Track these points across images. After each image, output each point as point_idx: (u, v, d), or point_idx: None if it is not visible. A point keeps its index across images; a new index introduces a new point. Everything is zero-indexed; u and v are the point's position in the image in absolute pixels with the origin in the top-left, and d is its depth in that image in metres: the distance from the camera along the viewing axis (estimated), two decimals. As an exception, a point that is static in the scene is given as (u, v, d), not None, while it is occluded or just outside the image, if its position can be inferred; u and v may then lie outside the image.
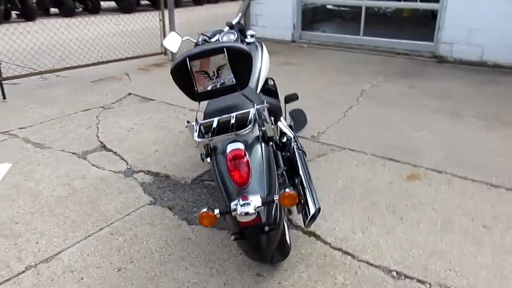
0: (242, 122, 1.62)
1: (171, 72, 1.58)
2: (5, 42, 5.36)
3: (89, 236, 2.26)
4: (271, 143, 1.76)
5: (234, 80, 1.58)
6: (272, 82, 2.71)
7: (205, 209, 1.52)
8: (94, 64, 5.30)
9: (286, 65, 5.96)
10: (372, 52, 6.60)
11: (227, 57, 1.53)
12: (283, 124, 2.60)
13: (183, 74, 1.56)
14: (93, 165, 3.03)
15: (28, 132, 3.62)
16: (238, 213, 1.48)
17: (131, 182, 2.81)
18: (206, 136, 1.61)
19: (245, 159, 1.61)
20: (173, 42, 2.47)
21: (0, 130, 3.66)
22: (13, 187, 2.73)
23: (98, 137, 3.52)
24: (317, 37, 7.25)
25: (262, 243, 1.59)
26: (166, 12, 5.97)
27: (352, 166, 3.03)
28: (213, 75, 1.57)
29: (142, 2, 14.39)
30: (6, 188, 2.71)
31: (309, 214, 1.79)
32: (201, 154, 1.75)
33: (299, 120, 3.12)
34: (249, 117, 1.57)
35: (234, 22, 2.83)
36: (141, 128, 3.70)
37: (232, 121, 1.58)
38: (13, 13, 10.76)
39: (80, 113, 4.08)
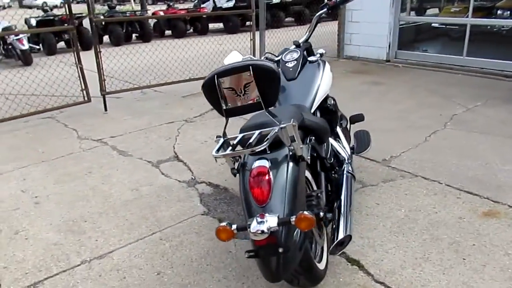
0: (274, 141, 1.61)
1: (202, 88, 1.64)
2: (117, 60, 6.07)
3: (141, 239, 2.42)
4: (302, 162, 1.70)
5: (259, 98, 1.58)
6: (332, 101, 2.64)
7: (223, 223, 1.53)
8: (186, 80, 5.70)
9: (374, 85, 5.73)
10: (475, 74, 6.00)
11: (252, 74, 1.55)
12: (338, 145, 2.51)
13: (212, 90, 1.61)
14: (162, 174, 3.25)
15: (117, 140, 4.03)
16: (251, 231, 1.46)
17: (191, 192, 2.95)
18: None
19: (267, 177, 1.59)
20: (233, 60, 2.56)
21: (95, 138, 4.14)
22: (91, 189, 3.06)
23: (174, 148, 3.77)
24: (414, 57, 6.85)
25: (275, 264, 1.55)
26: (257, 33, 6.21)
27: (420, 195, 2.77)
28: (240, 92, 1.59)
29: (247, 23, 15.18)
30: (85, 190, 3.05)
31: (336, 239, 1.69)
32: (231, 169, 1.77)
33: (362, 142, 2.97)
34: (270, 135, 1.55)
35: (300, 41, 2.83)
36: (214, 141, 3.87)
37: (254, 137, 1.58)
38: (134, 36, 12.18)
39: (164, 125, 4.42)
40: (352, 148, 2.81)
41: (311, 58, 2.67)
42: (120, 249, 2.34)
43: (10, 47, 8.60)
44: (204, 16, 13.03)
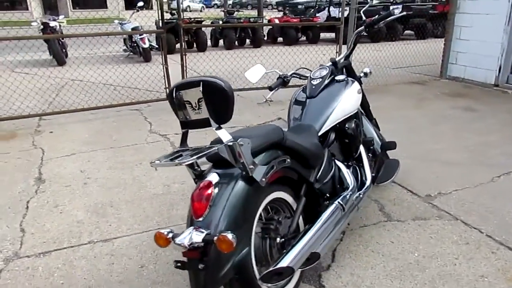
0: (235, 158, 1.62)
1: (167, 98, 1.72)
2: (219, 63, 6.47)
3: (146, 231, 2.60)
4: (255, 183, 1.66)
5: (208, 115, 1.60)
6: (353, 124, 2.47)
7: (162, 230, 1.59)
8: (264, 88, 5.83)
9: (465, 111, 5.12)
10: None
11: (201, 90, 1.57)
12: (347, 172, 2.35)
13: (172, 102, 1.68)
14: (198, 174, 3.41)
15: (178, 137, 4.33)
16: (175, 242, 1.50)
17: (213, 196, 3.04)
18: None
19: (208, 192, 1.60)
20: (255, 73, 2.58)
21: (162, 133, 4.52)
22: (133, 178, 3.37)
23: (222, 152, 3.91)
24: (531, 83, 5.90)
25: (196, 279, 1.55)
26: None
27: (446, 241, 2.44)
28: (195, 106, 1.63)
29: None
30: (127, 178, 3.37)
31: (273, 266, 1.61)
32: (193, 179, 1.81)
33: (387, 171, 2.73)
34: (206, 152, 1.56)
35: (337, 58, 2.72)
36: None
37: (186, 153, 1.59)
38: (248, 41, 12.78)
39: (226, 129, 4.60)
40: (374, 178, 2.60)
41: (338, 77, 2.55)
42: (124, 237, 2.55)
43: (135, 44, 9.80)
44: (318, 25, 13.04)
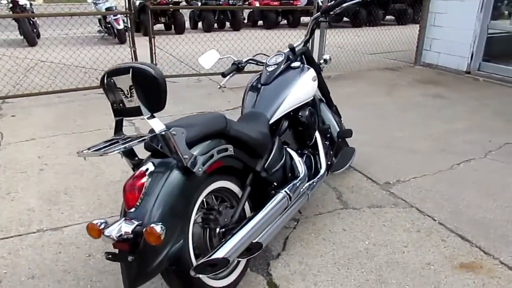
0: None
1: (100, 84, 1.65)
2: (195, 46, 6.36)
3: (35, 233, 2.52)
4: (192, 173, 1.62)
5: (135, 103, 1.54)
6: (307, 113, 2.44)
7: (96, 220, 1.54)
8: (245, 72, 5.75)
9: (434, 98, 5.15)
10: None
11: (131, 77, 1.51)
12: (299, 161, 2.32)
13: (105, 89, 1.61)
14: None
15: (144, 123, 4.25)
16: (104, 233, 1.46)
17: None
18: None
19: (140, 182, 1.56)
20: (209, 59, 2.52)
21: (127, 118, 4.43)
22: (91, 164, 3.29)
23: (186, 138, 3.85)
24: (501, 71, 5.95)
25: (127, 271, 1.52)
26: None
27: (398, 229, 2.46)
28: (127, 94, 1.57)
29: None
30: (86, 164, 3.29)
31: (208, 257, 1.59)
32: (132, 168, 1.77)
33: (341, 159, 2.73)
34: (131, 142, 1.51)
35: (295, 45, 2.67)
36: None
37: (110, 142, 1.54)
38: (228, 24, 12.59)
39: (194, 114, 4.53)
40: (329, 166, 2.59)
41: (293, 64, 2.51)
42: (74, 225, 2.50)
43: (109, 25, 9.55)
44: (298, 9, 12.90)
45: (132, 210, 1.53)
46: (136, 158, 1.73)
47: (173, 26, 11.36)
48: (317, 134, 2.60)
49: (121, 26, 9.17)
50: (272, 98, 2.33)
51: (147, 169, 1.60)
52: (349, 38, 8.59)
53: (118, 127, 1.67)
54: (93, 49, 6.77)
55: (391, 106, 4.88)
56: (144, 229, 1.43)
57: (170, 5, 10.98)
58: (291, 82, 2.41)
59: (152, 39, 5.24)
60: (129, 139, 1.54)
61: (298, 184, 2.16)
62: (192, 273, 1.58)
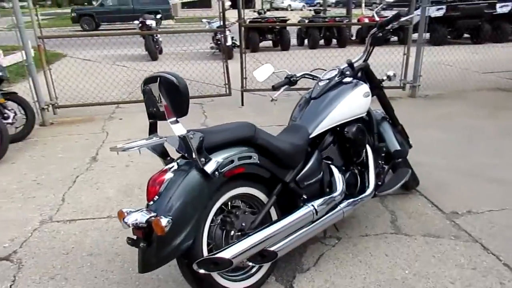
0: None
1: (141, 91, 1.87)
2: (295, 62, 6.55)
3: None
4: (207, 176, 1.73)
5: (163, 108, 1.71)
6: (354, 129, 2.38)
7: (125, 209, 1.76)
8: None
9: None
10: None
11: (158, 85, 1.70)
12: (339, 177, 2.28)
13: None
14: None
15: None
16: (124, 220, 1.66)
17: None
18: None
19: (161, 178, 1.73)
20: (263, 73, 2.63)
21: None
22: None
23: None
24: None
25: (141, 256, 1.68)
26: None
27: (449, 264, 2.24)
28: (158, 100, 1.76)
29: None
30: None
31: (212, 255, 1.69)
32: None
33: (392, 180, 2.58)
34: (149, 142, 1.70)
35: (353, 60, 2.65)
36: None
37: (139, 143, 1.73)
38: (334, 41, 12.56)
39: (274, 126, 4.68)
40: (378, 186, 2.48)
41: (345, 79, 2.48)
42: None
43: (219, 42, 10.31)
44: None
45: (151, 202, 1.71)
46: (168, 158, 1.91)
47: (279, 43, 11.76)
48: (369, 152, 2.52)
49: (228, 43, 9.82)
50: (316, 112, 2.34)
51: (170, 168, 1.78)
52: (464, 55, 7.91)
53: (152, 129, 1.88)
54: (202, 63, 7.41)
55: (488, 130, 4.39)
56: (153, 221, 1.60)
57: (277, 23, 11.41)
58: (338, 97, 2.39)
59: (244, 55, 5.56)
60: (152, 140, 1.74)
61: (328, 200, 2.14)
62: (194, 266, 1.69)
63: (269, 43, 12.36)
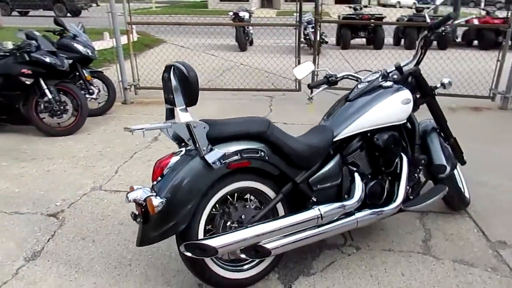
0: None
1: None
2: (378, 61, 6.34)
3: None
4: (207, 164, 1.78)
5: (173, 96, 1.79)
6: (385, 137, 2.24)
7: (136, 186, 1.89)
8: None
9: None
10: None
11: (172, 74, 1.77)
12: (359, 185, 2.18)
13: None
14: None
15: (285, 126, 4.55)
16: (127, 195, 1.79)
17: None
18: None
19: (165, 162, 1.83)
20: (303, 70, 2.58)
21: (273, 120, 4.79)
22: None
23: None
24: None
25: (140, 231, 1.80)
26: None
27: (473, 295, 2.02)
28: (174, 87, 1.84)
29: None
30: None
31: (199, 240, 1.75)
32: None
33: (424, 196, 2.37)
34: (155, 125, 1.82)
35: (402, 64, 2.49)
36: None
37: (145, 127, 1.82)
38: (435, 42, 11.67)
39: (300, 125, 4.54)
40: (406, 199, 2.31)
41: (385, 83, 2.35)
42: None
43: (307, 37, 10.24)
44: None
45: (155, 183, 1.83)
46: (183, 144, 2.01)
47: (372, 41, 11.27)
48: (404, 162, 2.35)
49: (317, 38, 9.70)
50: (346, 115, 2.25)
51: (177, 153, 1.87)
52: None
53: (168, 114, 1.97)
54: (288, 57, 7.44)
55: None
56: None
57: (372, 20, 10.93)
58: (373, 101, 2.27)
59: (318, 51, 5.49)
60: (157, 124, 1.84)
61: (339, 206, 2.05)
62: (181, 248, 1.77)
63: (362, 40, 11.92)
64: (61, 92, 4.15)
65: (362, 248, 2.39)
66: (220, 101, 5.68)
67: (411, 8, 33.71)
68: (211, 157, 1.80)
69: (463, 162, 2.76)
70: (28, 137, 4.07)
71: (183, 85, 1.78)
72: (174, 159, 1.86)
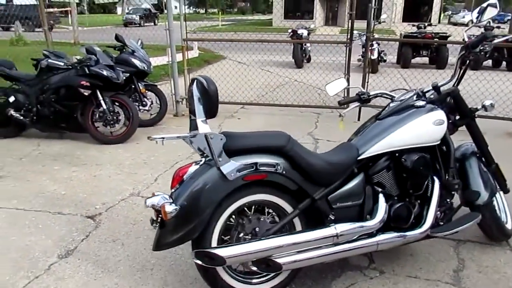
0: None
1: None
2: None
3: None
4: (223, 176, 1.82)
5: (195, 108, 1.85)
6: (414, 158, 2.14)
7: (158, 192, 1.98)
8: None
9: None
10: None
11: (195, 87, 1.84)
12: (382, 206, 2.10)
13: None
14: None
15: (329, 144, 4.51)
16: (146, 200, 1.88)
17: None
18: None
19: (185, 170, 1.91)
20: (336, 87, 2.56)
21: (316, 137, 4.77)
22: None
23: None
24: None
25: (157, 235, 1.86)
26: None
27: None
28: (198, 99, 1.92)
29: None
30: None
31: (211, 248, 1.78)
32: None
33: (454, 222, 2.21)
34: (173, 135, 1.87)
35: (440, 83, 2.39)
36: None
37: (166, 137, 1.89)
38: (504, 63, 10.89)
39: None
40: (434, 225, 2.19)
41: (418, 103, 2.27)
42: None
43: (364, 55, 10.06)
44: None
45: (173, 190, 1.91)
46: (205, 154, 2.07)
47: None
48: (436, 186, 2.23)
49: (374, 56, 9.50)
50: (373, 134, 2.20)
51: (196, 163, 1.94)
52: None
53: (192, 125, 2.05)
54: (342, 74, 7.38)
55: None
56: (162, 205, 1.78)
57: (435, 39, 10.48)
58: (403, 120, 2.19)
59: (368, 69, 5.39)
60: (177, 134, 1.92)
61: (358, 227, 1.99)
62: (192, 254, 1.82)
63: (425, 60, 11.47)
64: (116, 103, 4.45)
65: (386, 273, 2.29)
66: (267, 116, 5.76)
67: (481, 27, 31.94)
68: (227, 168, 1.84)
69: (506, 190, 2.56)
70: (83, 144, 4.40)
71: (204, 98, 1.85)
72: (193, 168, 1.92)
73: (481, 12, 2.38)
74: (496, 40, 2.24)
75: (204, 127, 1.87)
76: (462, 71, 2.35)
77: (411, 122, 2.18)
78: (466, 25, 32.19)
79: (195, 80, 1.88)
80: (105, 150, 4.23)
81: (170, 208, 1.76)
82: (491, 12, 2.35)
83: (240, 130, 1.86)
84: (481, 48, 2.22)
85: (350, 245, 2.00)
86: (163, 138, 1.90)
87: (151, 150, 4.25)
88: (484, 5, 2.38)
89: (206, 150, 1.86)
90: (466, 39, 2.36)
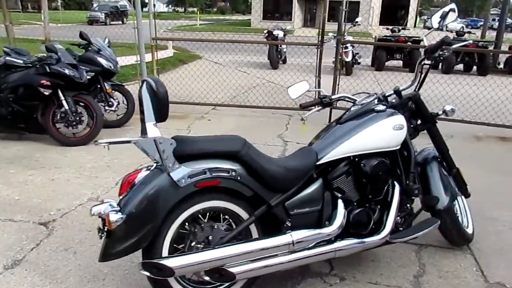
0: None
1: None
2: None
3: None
4: (172, 181, 1.74)
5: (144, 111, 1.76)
6: (373, 163, 2.11)
7: (107, 199, 1.88)
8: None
9: None
10: None
11: (144, 89, 1.76)
12: (341, 213, 2.05)
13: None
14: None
15: (298, 146, 4.46)
16: (91, 208, 1.78)
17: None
18: None
19: (132, 177, 1.82)
20: (297, 90, 2.51)
21: (286, 139, 4.73)
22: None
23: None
24: None
25: (103, 245, 1.76)
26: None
27: None
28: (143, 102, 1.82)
29: None
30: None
31: (156, 260, 1.70)
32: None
33: (413, 228, 2.21)
34: (118, 140, 1.80)
35: (401, 88, 2.37)
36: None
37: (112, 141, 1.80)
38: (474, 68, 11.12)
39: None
40: (394, 230, 2.16)
41: (377, 107, 2.24)
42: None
43: (340, 57, 10.10)
44: None
45: (121, 197, 1.81)
46: (155, 160, 1.98)
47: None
48: (396, 191, 2.21)
49: (348, 59, 9.56)
50: (332, 138, 2.15)
51: (145, 169, 1.85)
52: None
53: (143, 129, 1.96)
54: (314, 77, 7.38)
55: None
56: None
57: (408, 43, 10.65)
58: (362, 125, 2.15)
59: (339, 72, 5.39)
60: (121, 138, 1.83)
61: (315, 234, 1.94)
62: (139, 266, 1.73)
63: (399, 63, 11.62)
64: (80, 103, 4.29)
65: (347, 279, 2.24)
66: (238, 117, 5.68)
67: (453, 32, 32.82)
68: (177, 174, 1.75)
69: (467, 195, 2.57)
70: (43, 146, 4.21)
71: (153, 101, 1.76)
72: (143, 174, 1.84)
73: (443, 17, 2.38)
74: (455, 46, 2.23)
75: (153, 131, 1.78)
76: (423, 76, 2.34)
77: (371, 127, 2.14)
78: (441, 29, 32.99)
79: (144, 82, 1.79)
80: (66, 153, 4.06)
81: (115, 217, 1.66)
82: (452, 17, 2.34)
83: (210, 131, 1.78)
84: (440, 52, 2.20)
85: (307, 253, 1.94)
86: (109, 143, 1.80)
87: (115, 153, 4.10)
88: (446, 9, 2.37)
89: (156, 155, 1.77)
90: (426, 44, 2.35)
